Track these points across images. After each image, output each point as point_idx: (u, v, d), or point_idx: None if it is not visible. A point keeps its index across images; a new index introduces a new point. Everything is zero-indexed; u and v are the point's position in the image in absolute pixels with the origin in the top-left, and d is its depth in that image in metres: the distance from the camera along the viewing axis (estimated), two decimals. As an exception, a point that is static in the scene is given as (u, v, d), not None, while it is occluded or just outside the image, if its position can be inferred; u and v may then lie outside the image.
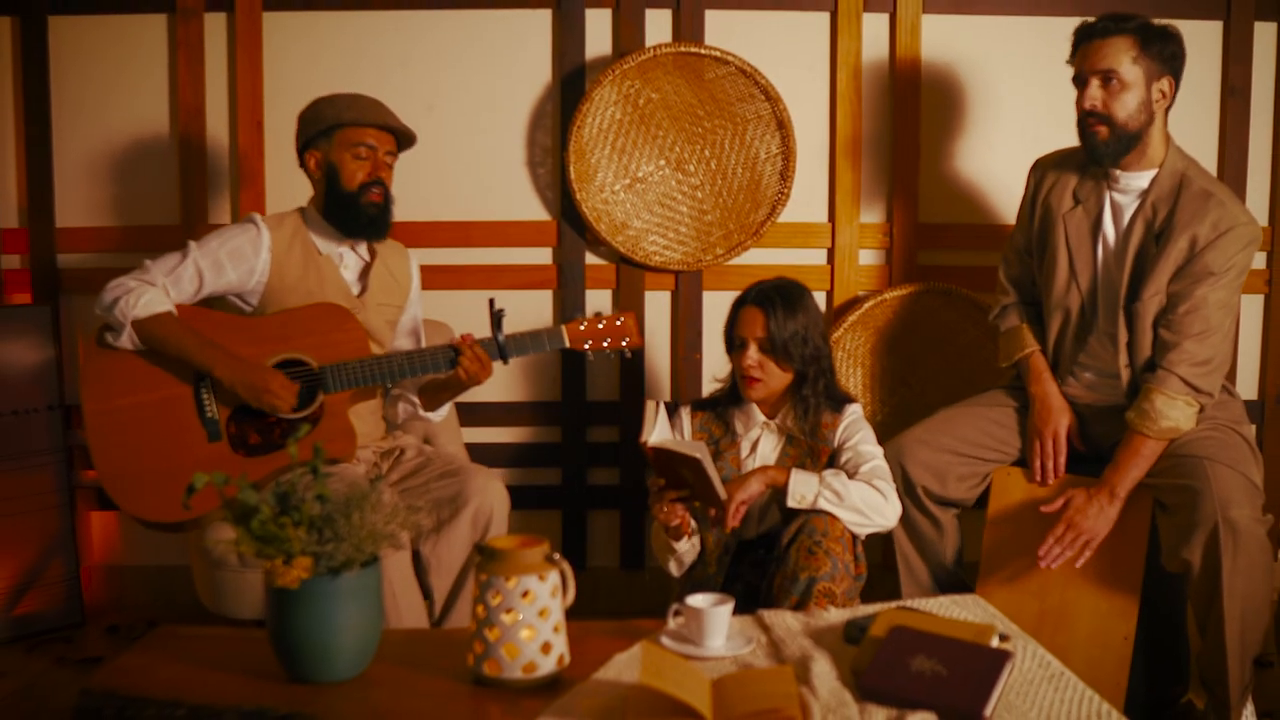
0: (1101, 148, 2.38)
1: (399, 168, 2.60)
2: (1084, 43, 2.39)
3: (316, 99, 2.57)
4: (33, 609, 2.97)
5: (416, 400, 2.61)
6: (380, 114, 2.53)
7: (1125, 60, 2.33)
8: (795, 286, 2.42)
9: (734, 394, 2.46)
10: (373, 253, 2.62)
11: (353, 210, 2.51)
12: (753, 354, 2.36)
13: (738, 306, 2.43)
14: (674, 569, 2.39)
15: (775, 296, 2.37)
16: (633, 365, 3.12)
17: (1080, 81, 2.39)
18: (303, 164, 2.57)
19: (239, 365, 2.39)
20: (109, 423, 2.41)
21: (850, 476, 2.31)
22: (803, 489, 2.26)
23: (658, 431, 2.27)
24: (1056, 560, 2.36)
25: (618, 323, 2.55)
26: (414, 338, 2.73)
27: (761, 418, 2.44)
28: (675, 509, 2.29)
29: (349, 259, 2.60)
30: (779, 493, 2.29)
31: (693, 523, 2.36)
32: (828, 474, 2.29)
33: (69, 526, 3.02)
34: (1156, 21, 2.37)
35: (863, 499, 2.27)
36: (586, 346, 2.54)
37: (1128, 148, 2.38)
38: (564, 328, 2.53)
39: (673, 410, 2.52)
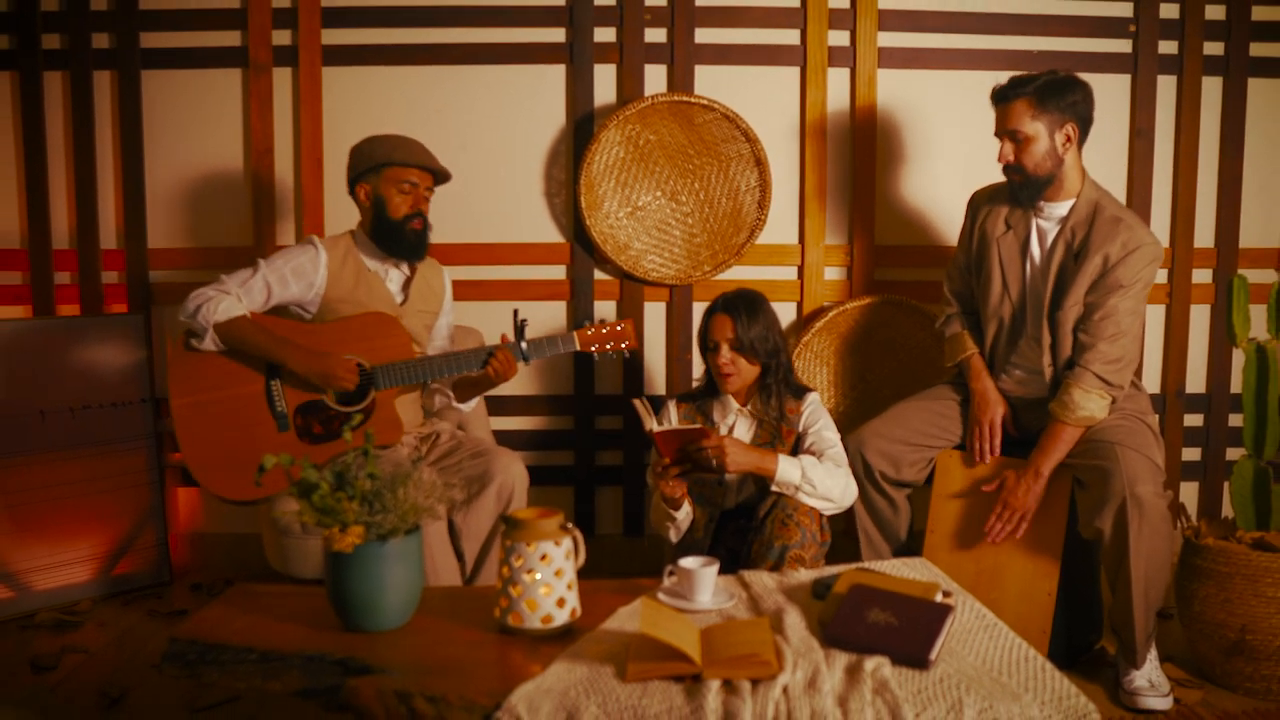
0: (1018, 191, 2.41)
1: (437, 198, 2.60)
2: (995, 106, 2.41)
3: (367, 138, 2.55)
4: (128, 570, 2.98)
5: (451, 394, 2.62)
6: (423, 156, 2.52)
7: (1025, 120, 2.34)
8: (753, 295, 2.43)
9: (711, 388, 2.46)
10: (413, 268, 2.61)
11: (398, 236, 2.50)
12: (725, 353, 2.36)
13: (709, 315, 2.42)
14: (672, 536, 2.39)
15: (739, 304, 2.38)
16: (633, 364, 3.12)
17: (998, 138, 2.40)
18: (353, 193, 2.56)
19: (311, 356, 2.39)
20: (193, 415, 2.41)
21: (817, 458, 2.32)
22: (788, 479, 2.26)
23: (654, 420, 2.29)
24: (1001, 536, 2.38)
25: (618, 328, 2.56)
26: (447, 340, 2.73)
27: (736, 406, 2.44)
28: (678, 482, 2.29)
29: (393, 274, 2.59)
30: (762, 477, 2.30)
31: (689, 502, 2.36)
32: (805, 463, 2.28)
33: (159, 500, 3.02)
34: (1060, 74, 2.36)
35: (831, 489, 2.27)
36: (594, 349, 2.55)
37: (1041, 189, 2.39)
38: (575, 333, 2.54)
39: (660, 404, 2.52)
